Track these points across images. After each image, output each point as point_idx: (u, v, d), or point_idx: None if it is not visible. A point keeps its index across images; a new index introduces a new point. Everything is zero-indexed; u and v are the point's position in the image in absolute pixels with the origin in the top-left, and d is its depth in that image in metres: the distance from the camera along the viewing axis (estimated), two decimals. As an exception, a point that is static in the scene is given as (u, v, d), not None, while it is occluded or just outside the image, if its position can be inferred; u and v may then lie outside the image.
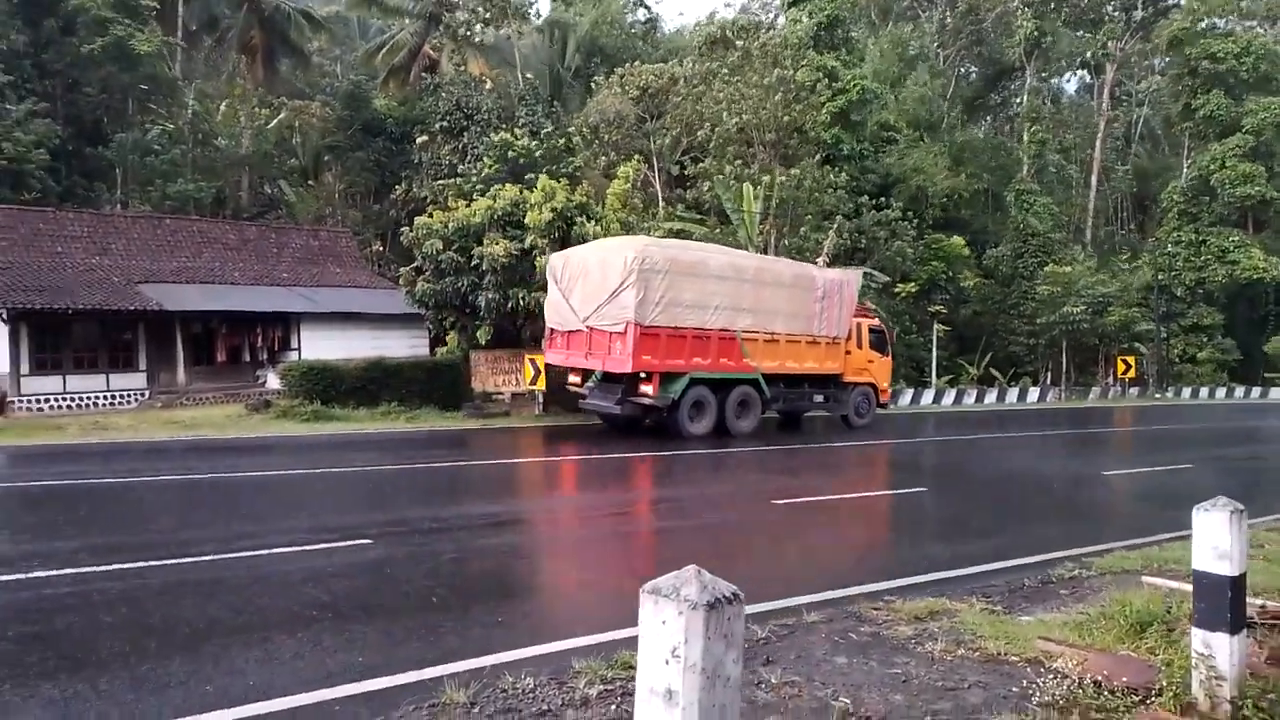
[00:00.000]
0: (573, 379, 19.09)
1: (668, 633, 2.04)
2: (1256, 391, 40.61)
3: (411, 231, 22.19)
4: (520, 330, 23.07)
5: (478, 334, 22.30)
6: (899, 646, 5.38)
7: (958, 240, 38.25)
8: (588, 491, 11.99)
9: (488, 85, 35.08)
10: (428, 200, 28.51)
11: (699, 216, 31.33)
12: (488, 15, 38.64)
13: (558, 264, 18.60)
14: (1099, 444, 21.19)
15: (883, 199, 34.85)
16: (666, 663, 2.04)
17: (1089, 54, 47.01)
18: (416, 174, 34.68)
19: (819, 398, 20.64)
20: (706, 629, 2.01)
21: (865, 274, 27.21)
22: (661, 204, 31.06)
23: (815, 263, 25.00)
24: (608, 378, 17.93)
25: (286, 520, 9.46)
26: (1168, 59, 47.32)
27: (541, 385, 21.89)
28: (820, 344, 19.94)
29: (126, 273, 24.71)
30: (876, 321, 22.83)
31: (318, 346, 24.70)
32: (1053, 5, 44.39)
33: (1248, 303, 44.62)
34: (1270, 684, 4.02)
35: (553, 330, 18.97)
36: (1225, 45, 43.02)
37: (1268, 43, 45.42)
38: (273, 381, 24.24)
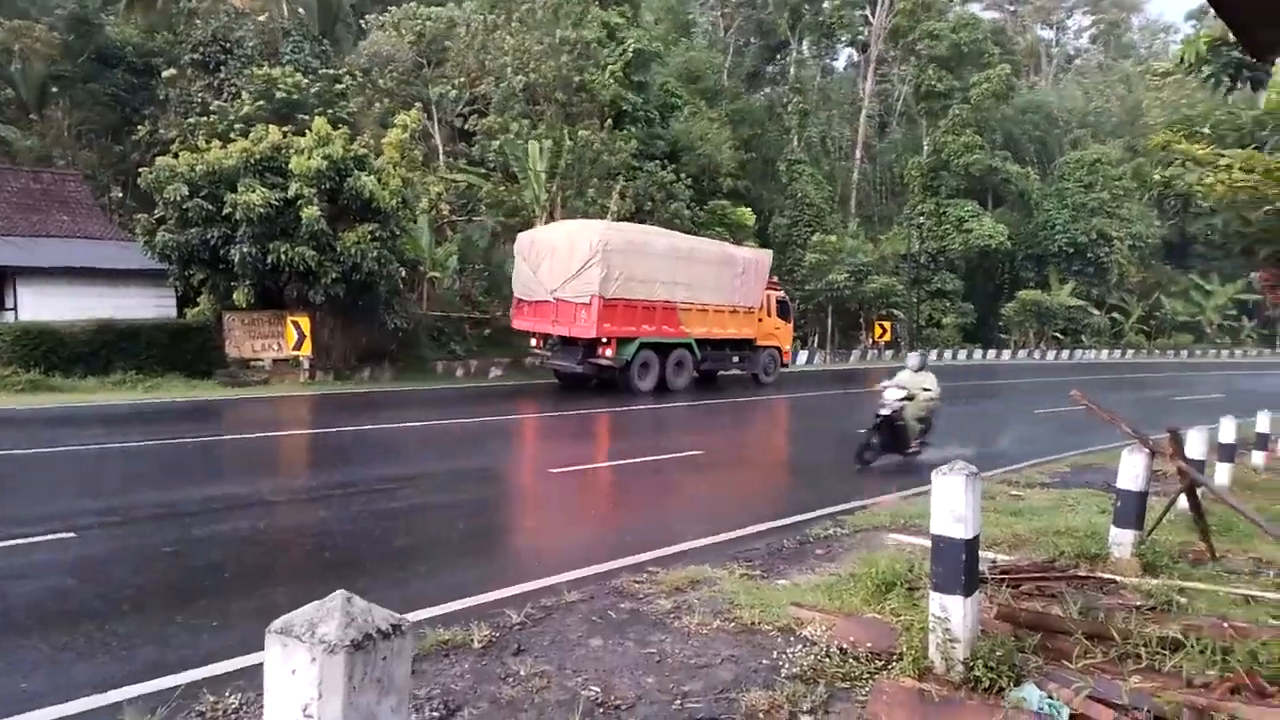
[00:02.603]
0: (534, 342, 21.57)
1: (298, 685, 1.55)
2: (992, 353, 45.31)
3: (151, 174, 19.63)
4: (284, 290, 21.25)
5: (235, 294, 20.23)
6: (657, 622, 5.19)
7: (745, 210, 39.43)
8: (352, 466, 11.07)
9: (262, 16, 31.72)
10: (177, 141, 25.43)
11: (484, 171, 30.24)
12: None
13: (525, 242, 21.16)
14: (855, 403, 22.59)
15: (670, 164, 35.18)
16: (298, 725, 1.55)
17: (857, 32, 50.00)
18: (163, 112, 30.92)
19: (736, 359, 23.50)
20: (350, 677, 1.54)
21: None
22: (442, 157, 29.60)
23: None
24: (567, 342, 20.20)
25: (-31, 512, 7.97)
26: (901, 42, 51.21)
27: (307, 350, 20.32)
28: (739, 313, 22.79)
29: None
30: (782, 293, 25.88)
31: (40, 306, 21.41)
32: None
33: (984, 271, 49.56)
34: (999, 641, 4.12)
35: (520, 300, 21.43)
36: (940, 24, 47.31)
37: (975, 18, 50.64)
38: (-19, 347, 20.90)
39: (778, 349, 24.77)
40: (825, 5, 49.08)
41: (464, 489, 9.93)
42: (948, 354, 42.82)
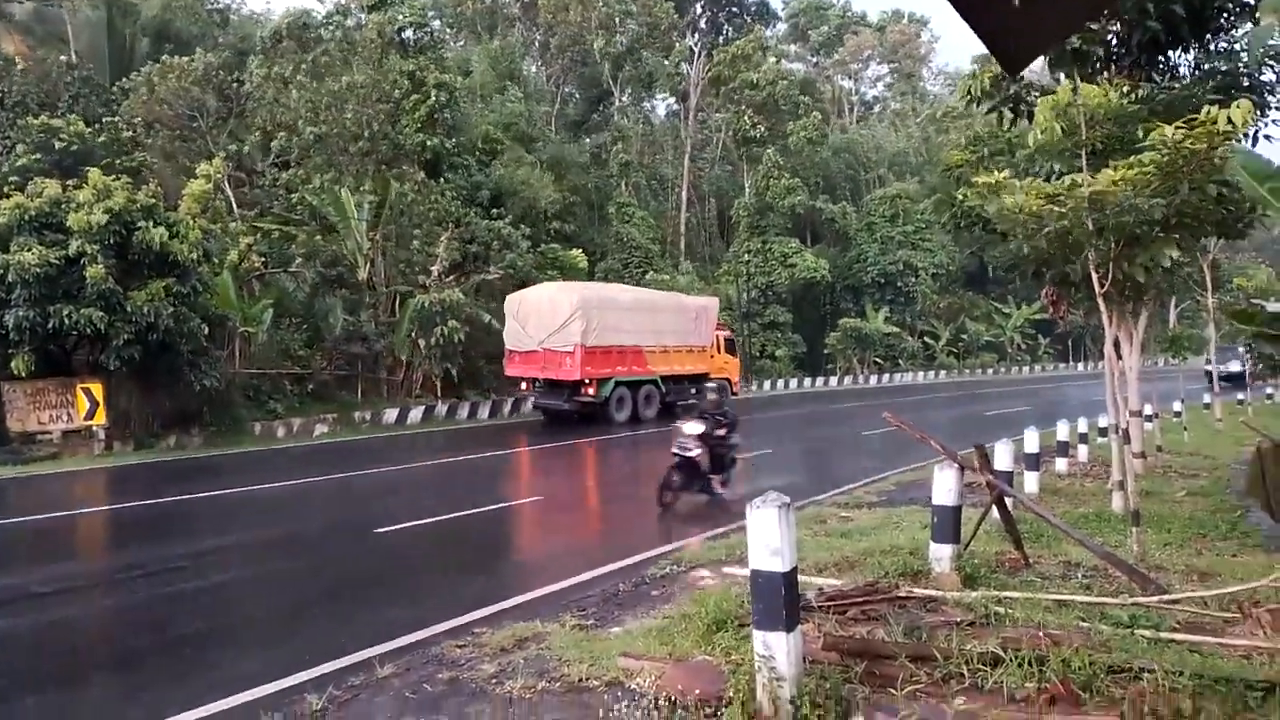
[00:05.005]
0: (523, 386, 25.23)
1: None
2: (820, 381, 47.29)
3: (-97, 236, 17.36)
4: (72, 355, 19.26)
5: (13, 362, 18.10)
6: (478, 691, 4.77)
7: (576, 253, 39.39)
8: (142, 546, 9.91)
9: (19, 65, 29.09)
10: (-60, 200, 22.79)
11: (298, 219, 28.77)
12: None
13: (514, 302, 24.44)
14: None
15: (496, 210, 34.73)
16: None
17: (677, 82, 51.69)
18: (-77, 169, 27.76)
19: (694, 390, 25.32)
20: None
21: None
22: (237, 208, 27.89)
23: (430, 271, 28.32)
24: (552, 384, 23.31)
25: None
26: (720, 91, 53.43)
27: (101, 419, 18.44)
28: (695, 351, 26.29)
29: None
30: (729, 332, 30.65)
31: None
32: (633, 30, 48.60)
33: (810, 303, 51.89)
34: (825, 673, 3.97)
35: (511, 351, 24.42)
36: (760, 75, 49.96)
37: (793, 72, 53.91)
38: None
39: (728, 380, 27.28)
40: (645, 55, 50.50)
41: (271, 561, 9.08)
42: (780, 384, 44.33)
